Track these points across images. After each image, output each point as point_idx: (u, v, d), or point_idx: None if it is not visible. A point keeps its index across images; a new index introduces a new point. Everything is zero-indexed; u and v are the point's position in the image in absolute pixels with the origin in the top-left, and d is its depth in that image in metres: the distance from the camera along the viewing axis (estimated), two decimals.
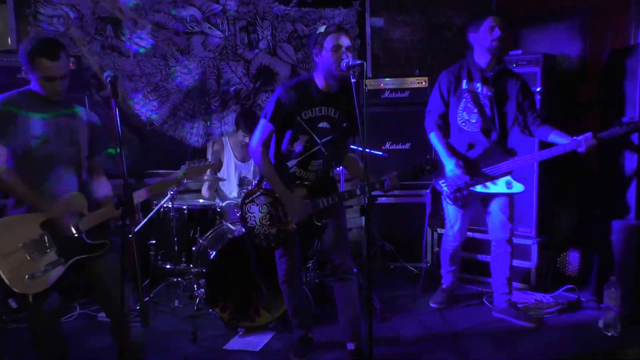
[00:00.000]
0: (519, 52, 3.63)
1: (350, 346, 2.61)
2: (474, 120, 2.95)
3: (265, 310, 3.03)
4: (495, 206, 3.03)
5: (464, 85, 2.96)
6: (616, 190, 3.32)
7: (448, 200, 3.07)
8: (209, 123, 4.29)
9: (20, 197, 2.10)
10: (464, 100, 2.96)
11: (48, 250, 2.07)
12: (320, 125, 2.47)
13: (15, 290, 2.01)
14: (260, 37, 4.40)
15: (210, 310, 2.96)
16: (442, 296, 3.39)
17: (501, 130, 2.95)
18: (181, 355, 2.69)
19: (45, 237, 2.07)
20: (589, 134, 2.65)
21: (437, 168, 2.43)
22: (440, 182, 3.05)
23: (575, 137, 2.71)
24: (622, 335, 2.86)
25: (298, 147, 2.48)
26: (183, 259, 3.51)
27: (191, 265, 3.32)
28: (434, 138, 3.02)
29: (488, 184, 2.95)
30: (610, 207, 3.39)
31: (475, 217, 3.21)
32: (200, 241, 3.32)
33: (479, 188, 2.96)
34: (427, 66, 4.67)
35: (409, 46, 4.75)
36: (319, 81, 2.44)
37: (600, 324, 2.94)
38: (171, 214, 3.40)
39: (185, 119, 4.24)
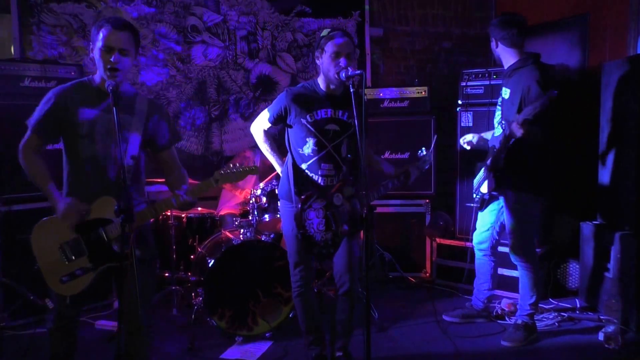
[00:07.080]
0: None
1: (339, 353, 2.62)
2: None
3: (263, 319, 3.02)
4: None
5: None
6: (615, 201, 3.31)
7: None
8: (209, 131, 4.30)
9: (39, 188, 2.03)
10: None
11: (82, 255, 2.01)
12: (328, 127, 2.44)
13: (53, 289, 2.02)
14: (261, 47, 4.43)
15: (208, 319, 2.95)
16: (459, 310, 3.27)
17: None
18: None
19: (81, 241, 2.01)
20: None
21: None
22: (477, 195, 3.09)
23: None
24: (623, 348, 2.83)
25: (308, 149, 2.45)
26: (181, 267, 3.51)
27: (189, 274, 3.32)
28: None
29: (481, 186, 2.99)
30: (610, 218, 3.38)
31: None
32: (199, 249, 3.31)
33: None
34: (426, 76, 4.68)
35: (408, 56, 4.78)
36: (322, 83, 2.46)
37: (601, 336, 2.92)
38: (170, 222, 3.40)
39: (185, 128, 4.25)
